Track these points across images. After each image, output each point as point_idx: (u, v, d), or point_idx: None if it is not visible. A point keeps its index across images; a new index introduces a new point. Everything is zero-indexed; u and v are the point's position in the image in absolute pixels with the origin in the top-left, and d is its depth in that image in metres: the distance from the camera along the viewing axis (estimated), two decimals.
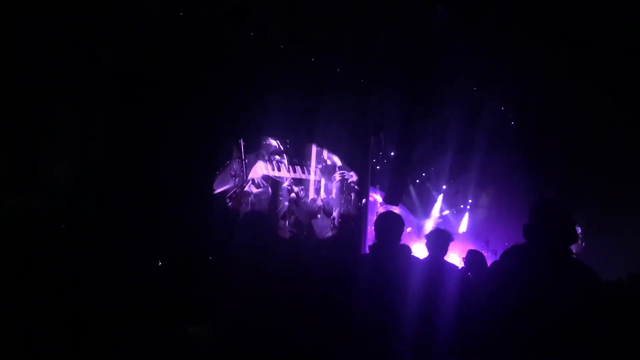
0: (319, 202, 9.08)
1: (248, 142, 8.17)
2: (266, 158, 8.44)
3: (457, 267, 3.92)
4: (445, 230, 4.05)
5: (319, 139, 9.09)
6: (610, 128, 9.06)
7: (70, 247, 5.05)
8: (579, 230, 9.80)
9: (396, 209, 9.13)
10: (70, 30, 5.80)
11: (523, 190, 10.06)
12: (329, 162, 9.32)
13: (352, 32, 7.58)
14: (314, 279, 3.43)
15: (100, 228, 5.81)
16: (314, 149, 9.12)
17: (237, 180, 8.00)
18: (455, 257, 9.05)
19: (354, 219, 9.47)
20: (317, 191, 9.10)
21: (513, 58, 8.04)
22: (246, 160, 8.13)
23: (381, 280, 2.98)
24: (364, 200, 9.66)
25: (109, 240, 5.55)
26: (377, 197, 10.55)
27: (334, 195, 9.28)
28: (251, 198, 8.17)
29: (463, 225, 11.57)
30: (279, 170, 8.58)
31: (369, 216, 9.71)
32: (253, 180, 8.23)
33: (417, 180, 11.41)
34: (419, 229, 11.02)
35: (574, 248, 2.61)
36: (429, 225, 11.05)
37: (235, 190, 7.97)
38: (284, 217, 8.58)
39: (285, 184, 8.65)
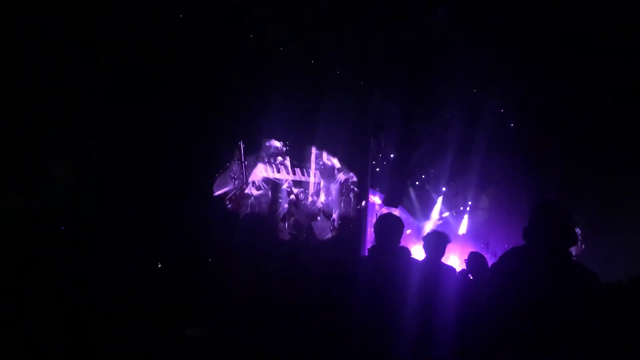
0: (319, 204, 9.08)
1: (248, 143, 8.18)
2: (266, 160, 8.44)
3: (454, 268, 3.92)
4: (442, 233, 4.05)
5: (319, 140, 9.08)
6: (610, 128, 9.07)
7: (70, 247, 5.05)
8: (578, 232, 9.81)
9: (396, 211, 9.12)
10: (70, 30, 5.80)
11: (523, 191, 10.06)
12: (328, 164, 9.31)
13: (352, 32, 7.58)
14: (314, 279, 3.43)
15: (100, 228, 5.81)
16: (314, 150, 9.12)
17: (236, 182, 8.01)
18: (455, 259, 9.07)
19: (353, 220, 9.47)
20: (317, 193, 9.09)
21: (513, 58, 8.04)
22: (246, 163, 8.13)
23: (381, 280, 2.99)
24: (363, 202, 9.65)
25: (109, 240, 5.55)
26: (375, 199, 10.54)
27: (333, 197, 9.28)
28: (251, 200, 8.17)
29: (463, 227, 11.57)
30: (278, 172, 8.58)
31: (369, 218, 9.71)
32: (253, 182, 8.23)
33: (417, 183, 11.39)
34: (418, 231, 11.00)
35: (573, 250, 2.61)
36: (428, 228, 11.02)
37: (235, 193, 7.97)
38: (283, 219, 8.58)
39: (285, 186, 8.65)
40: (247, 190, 8.13)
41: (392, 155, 10.31)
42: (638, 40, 6.90)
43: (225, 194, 7.86)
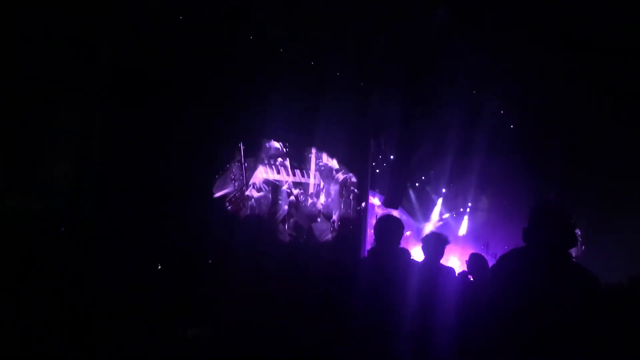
0: (319, 206, 9.07)
1: (248, 145, 8.16)
2: (266, 162, 8.43)
3: (454, 269, 3.92)
4: (441, 234, 4.04)
5: (319, 141, 9.06)
6: (610, 128, 9.07)
7: (70, 247, 5.05)
8: (578, 233, 9.81)
9: (396, 213, 9.12)
10: (70, 30, 5.80)
11: (523, 191, 10.05)
12: (328, 165, 9.31)
13: (352, 32, 7.59)
14: (314, 279, 3.43)
15: (100, 228, 5.81)
16: (314, 152, 9.11)
17: (236, 184, 8.00)
18: (455, 260, 9.08)
19: (353, 222, 9.46)
20: (317, 194, 9.08)
21: (513, 58, 8.05)
22: (246, 164, 8.13)
23: (381, 281, 2.99)
24: (363, 204, 9.65)
25: (109, 240, 5.55)
26: (375, 200, 10.53)
27: (333, 198, 9.27)
28: (251, 202, 8.17)
29: (463, 228, 11.57)
30: (278, 173, 8.57)
31: (369, 219, 9.70)
32: (254, 184, 8.22)
33: (417, 184, 11.38)
34: (418, 233, 10.99)
35: (573, 252, 2.60)
36: (428, 229, 11.02)
37: (235, 194, 7.97)
38: (283, 221, 8.56)
39: (285, 187, 8.64)
40: (247, 192, 8.12)
41: (392, 157, 10.30)
42: (638, 40, 6.91)
43: (225, 195, 7.85)
